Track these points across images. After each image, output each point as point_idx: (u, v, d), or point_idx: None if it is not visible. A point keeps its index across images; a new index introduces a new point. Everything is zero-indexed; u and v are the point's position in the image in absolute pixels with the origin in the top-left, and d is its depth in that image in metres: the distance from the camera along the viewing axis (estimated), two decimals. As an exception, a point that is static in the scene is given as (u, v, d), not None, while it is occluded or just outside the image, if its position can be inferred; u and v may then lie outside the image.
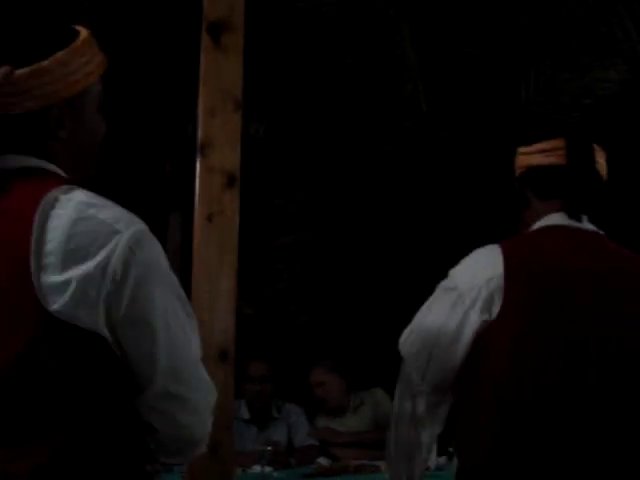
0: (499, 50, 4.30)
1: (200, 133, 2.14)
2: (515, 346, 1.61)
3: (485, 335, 1.63)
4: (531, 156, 1.81)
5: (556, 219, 1.77)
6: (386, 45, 4.31)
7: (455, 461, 1.80)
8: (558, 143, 1.78)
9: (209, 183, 2.12)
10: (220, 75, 2.16)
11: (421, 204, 4.69)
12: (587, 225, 1.77)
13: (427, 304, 1.77)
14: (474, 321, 1.64)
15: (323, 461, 3.31)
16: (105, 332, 1.16)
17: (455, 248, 1.94)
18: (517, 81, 4.42)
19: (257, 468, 3.12)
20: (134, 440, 1.24)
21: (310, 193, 4.95)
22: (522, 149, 1.84)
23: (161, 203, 4.87)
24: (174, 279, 1.26)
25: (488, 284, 1.64)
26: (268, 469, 3.14)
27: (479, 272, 1.67)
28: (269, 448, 3.33)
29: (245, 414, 3.89)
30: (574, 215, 1.76)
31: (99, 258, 1.14)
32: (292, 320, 5.26)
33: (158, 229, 1.39)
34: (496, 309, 1.63)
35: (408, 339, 1.78)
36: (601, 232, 1.78)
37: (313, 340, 5.18)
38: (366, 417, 3.95)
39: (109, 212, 1.18)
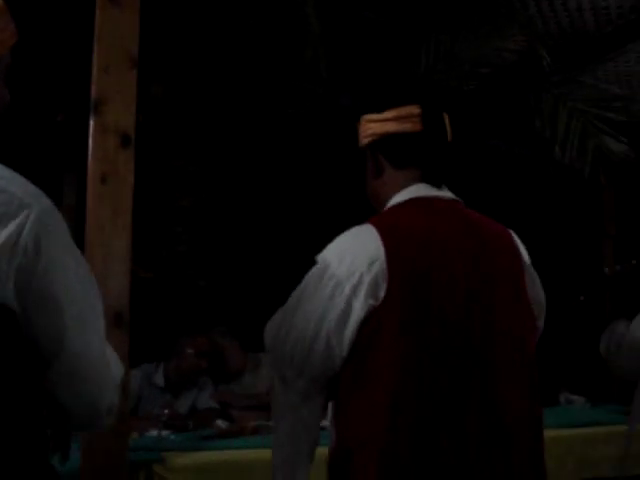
0: (400, 17, 4.32)
1: (94, 90, 2.08)
2: (404, 329, 1.56)
3: (372, 321, 1.57)
4: (385, 123, 1.74)
5: (419, 190, 1.72)
6: (288, 8, 4.27)
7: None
8: (413, 110, 1.73)
9: (103, 143, 2.07)
10: (115, 31, 2.10)
11: (320, 169, 4.71)
12: (447, 193, 1.75)
13: (297, 295, 1.66)
14: (358, 309, 1.57)
15: (221, 424, 3.31)
16: (14, 305, 1.14)
17: (354, 215, 1.90)
18: (418, 48, 4.46)
19: (154, 432, 3.10)
20: (37, 412, 1.23)
21: (210, 155, 4.90)
22: (372, 116, 1.77)
23: (55, 162, 4.72)
24: (79, 253, 1.25)
25: (370, 268, 1.57)
26: (165, 432, 3.12)
27: (358, 256, 1.59)
28: (166, 411, 3.31)
29: (160, 381, 3.87)
30: (435, 184, 1.73)
31: (9, 230, 1.12)
32: (191, 284, 5.22)
33: (52, 189, 1.36)
34: (382, 293, 1.56)
35: (278, 336, 1.68)
36: (459, 200, 1.76)
37: (211, 303, 5.17)
38: (264, 377, 3.99)
39: (18, 185, 1.16)
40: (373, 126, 1.77)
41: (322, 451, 1.72)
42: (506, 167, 5.46)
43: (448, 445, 1.55)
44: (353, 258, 1.59)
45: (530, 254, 1.83)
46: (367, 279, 1.57)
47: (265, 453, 1.84)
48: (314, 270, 1.65)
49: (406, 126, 1.73)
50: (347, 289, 1.58)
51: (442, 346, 1.58)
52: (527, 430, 1.67)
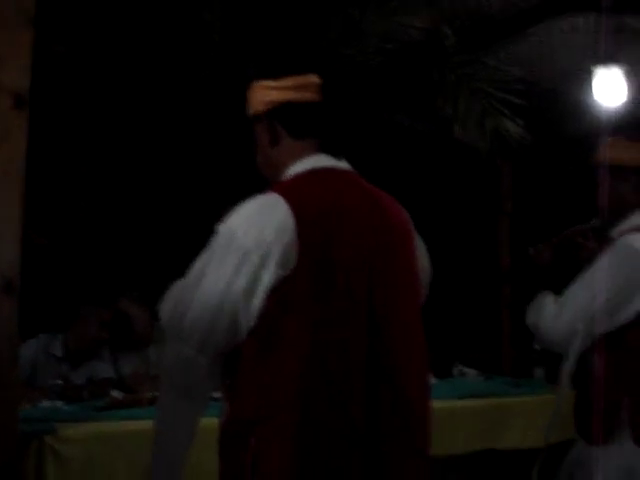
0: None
1: (-15, 47, 1.99)
2: (313, 298, 1.57)
3: (281, 291, 1.56)
4: (283, 91, 1.71)
5: (318, 161, 1.72)
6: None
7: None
8: (313, 79, 1.71)
9: (-6, 103, 1.99)
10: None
11: (217, 134, 4.64)
12: (345, 165, 1.76)
13: (200, 266, 1.62)
14: (267, 279, 1.55)
15: (117, 394, 3.27)
16: None
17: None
18: (327, 21, 4.46)
19: (47, 403, 3.03)
20: None
21: (112, 119, 4.77)
22: (269, 82, 1.74)
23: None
24: None
25: (280, 238, 1.56)
26: (59, 403, 3.06)
27: (266, 226, 1.57)
28: (59, 382, 3.25)
29: (58, 351, 3.78)
30: (334, 155, 1.73)
31: None
32: (91, 251, 5.11)
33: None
34: (291, 263, 1.56)
35: (177, 311, 1.64)
36: (355, 171, 1.77)
37: (115, 270, 5.07)
38: None
39: None
40: (270, 93, 1.73)
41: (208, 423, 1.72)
42: (408, 142, 5.54)
43: (358, 412, 1.58)
44: (261, 228, 1.57)
45: (428, 230, 1.88)
46: (276, 249, 1.55)
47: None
48: (218, 240, 1.62)
49: (305, 95, 1.72)
50: (255, 260, 1.55)
51: (348, 315, 1.60)
52: (424, 399, 1.74)
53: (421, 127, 4.98)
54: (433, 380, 3.40)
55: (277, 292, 1.56)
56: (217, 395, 1.79)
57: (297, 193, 1.64)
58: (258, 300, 1.56)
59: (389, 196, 1.80)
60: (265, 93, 1.74)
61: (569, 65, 5.06)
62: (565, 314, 2.26)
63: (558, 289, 2.35)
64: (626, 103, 4.77)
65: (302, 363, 1.56)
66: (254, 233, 1.57)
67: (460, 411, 3.64)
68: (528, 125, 4.51)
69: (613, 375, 2.19)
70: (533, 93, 4.79)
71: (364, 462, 1.59)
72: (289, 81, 1.72)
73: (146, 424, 2.68)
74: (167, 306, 1.69)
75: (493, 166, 5.86)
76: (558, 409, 2.30)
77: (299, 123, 1.74)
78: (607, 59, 4.54)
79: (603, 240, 2.38)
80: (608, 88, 4.58)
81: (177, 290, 1.68)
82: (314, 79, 1.72)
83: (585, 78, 4.86)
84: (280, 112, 1.73)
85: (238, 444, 1.59)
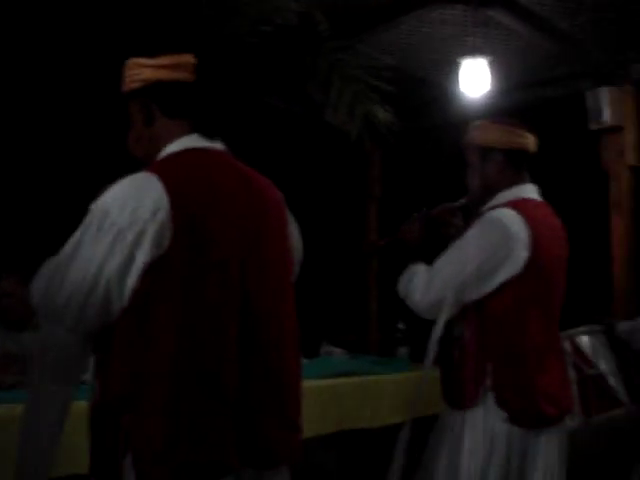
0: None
1: None
2: (187, 277, 1.59)
3: (156, 269, 1.57)
4: (158, 69, 1.70)
5: (193, 141, 1.72)
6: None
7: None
8: (188, 58, 1.70)
9: None
10: None
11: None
12: (220, 145, 1.77)
13: (73, 244, 1.61)
14: (141, 258, 1.55)
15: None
16: None
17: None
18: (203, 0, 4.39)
19: None
20: None
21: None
22: (144, 60, 1.72)
23: None
24: None
25: (154, 217, 1.56)
26: None
27: (141, 205, 1.56)
28: None
29: None
30: (208, 136, 1.74)
31: None
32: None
33: None
34: (166, 242, 1.56)
35: (50, 289, 1.62)
36: (229, 152, 1.79)
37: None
38: None
39: None
40: (145, 71, 1.72)
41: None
42: (281, 125, 5.57)
43: (229, 388, 1.61)
44: (136, 207, 1.56)
45: (298, 212, 1.92)
46: (151, 228, 1.55)
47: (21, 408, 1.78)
48: (91, 218, 1.60)
49: (180, 74, 1.70)
50: (130, 238, 1.55)
51: (222, 293, 1.62)
52: (296, 375, 1.80)
53: (294, 110, 5.02)
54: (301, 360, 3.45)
55: (151, 271, 1.56)
56: (87, 377, 1.77)
57: (171, 172, 1.63)
58: (132, 279, 1.56)
59: (263, 177, 1.83)
60: (139, 71, 1.72)
61: (437, 55, 5.22)
62: (435, 283, 2.36)
63: (427, 264, 2.45)
64: (490, 93, 4.98)
65: (174, 341, 1.56)
66: (128, 211, 1.56)
67: (327, 390, 3.71)
68: (397, 112, 4.62)
69: (478, 342, 2.31)
70: (402, 81, 4.91)
71: (236, 434, 1.61)
72: (164, 60, 1.71)
73: (5, 408, 2.60)
74: (38, 285, 1.66)
75: (363, 151, 5.98)
76: (425, 379, 2.39)
77: (173, 102, 1.72)
78: (473, 50, 4.71)
79: (471, 217, 2.50)
80: (473, 78, 4.76)
81: (49, 269, 1.65)
82: (189, 58, 1.71)
83: (452, 68, 5.03)
84: (154, 91, 1.72)
85: (110, 422, 1.59)
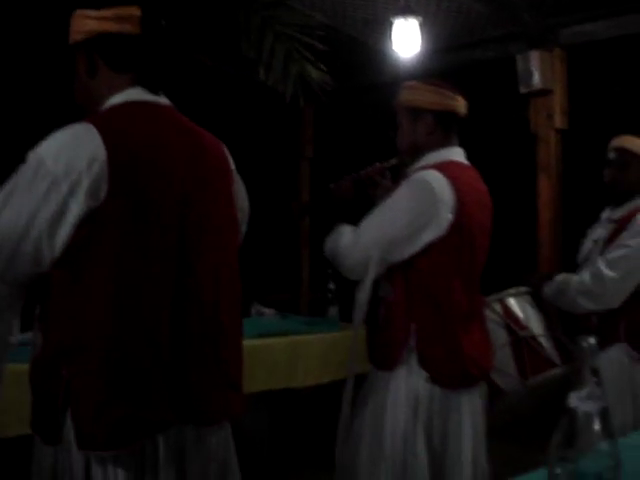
0: None
1: None
2: (124, 230, 1.57)
3: (91, 221, 1.55)
4: (103, 21, 1.69)
5: (136, 94, 1.71)
6: None
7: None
8: (133, 11, 1.69)
9: None
10: None
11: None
12: (164, 99, 1.77)
13: (5, 193, 1.57)
14: (76, 208, 1.53)
15: None
16: None
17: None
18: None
19: None
20: None
21: None
22: (89, 12, 1.70)
23: None
24: None
25: (90, 168, 1.54)
26: None
27: (77, 155, 1.54)
28: None
29: None
30: (152, 89, 1.73)
31: None
32: None
33: None
34: (102, 194, 1.55)
35: None
36: (174, 106, 1.79)
37: None
38: None
39: None
40: (90, 23, 1.70)
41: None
42: (213, 83, 5.49)
43: (164, 342, 1.62)
44: (72, 156, 1.54)
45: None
46: (86, 179, 1.53)
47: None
48: (26, 167, 1.57)
49: (125, 27, 1.69)
50: (64, 188, 1.53)
51: (158, 247, 1.62)
52: (236, 334, 1.81)
53: (227, 69, 4.94)
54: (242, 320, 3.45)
55: (87, 223, 1.55)
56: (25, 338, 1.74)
57: (111, 124, 1.62)
58: (65, 230, 1.55)
59: (210, 134, 1.82)
60: (85, 22, 1.71)
61: (370, 14, 5.20)
62: (361, 242, 2.36)
63: (355, 224, 2.45)
64: (422, 54, 4.99)
65: (111, 293, 1.56)
66: (64, 161, 1.54)
67: (258, 350, 3.72)
68: (330, 71, 4.59)
69: (403, 302, 2.33)
70: (335, 40, 4.88)
71: (172, 390, 1.62)
72: (109, 12, 1.69)
73: None
74: None
75: (296, 111, 5.93)
76: (355, 339, 2.39)
77: (118, 55, 1.71)
78: (405, 11, 4.70)
79: (400, 178, 2.50)
80: (405, 38, 4.75)
81: None
82: (134, 11, 1.69)
83: (385, 28, 5.02)
84: (99, 43, 1.71)
85: (50, 375, 1.59)
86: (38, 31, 4.21)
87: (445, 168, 2.37)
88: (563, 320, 3.15)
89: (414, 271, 2.33)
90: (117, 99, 1.70)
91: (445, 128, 2.45)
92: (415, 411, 2.29)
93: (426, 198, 2.31)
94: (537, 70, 4.88)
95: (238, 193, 1.88)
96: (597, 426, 1.04)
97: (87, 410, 1.55)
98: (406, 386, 2.31)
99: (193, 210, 1.69)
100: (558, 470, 1.04)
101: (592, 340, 1.02)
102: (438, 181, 2.32)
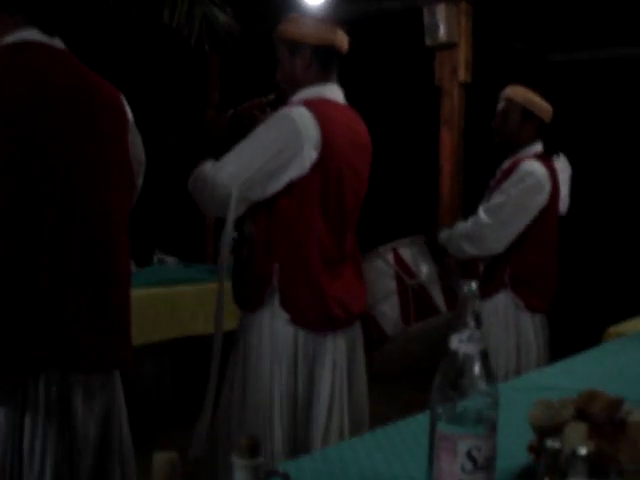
0: None
1: None
2: (8, 167, 1.60)
3: None
4: None
5: (28, 34, 1.71)
6: None
7: None
8: None
9: None
10: None
11: None
12: (60, 44, 1.77)
13: None
14: None
15: None
16: None
17: None
18: None
19: None
20: None
21: None
22: None
23: None
24: None
25: None
26: None
27: None
28: None
29: None
30: (48, 32, 1.73)
31: None
32: None
33: None
34: None
35: None
36: (70, 52, 1.78)
37: None
38: None
39: None
40: None
41: None
42: (117, 26, 5.31)
43: (47, 287, 1.63)
44: None
45: (136, 118, 1.88)
46: None
47: None
48: None
49: None
50: None
51: (41, 186, 1.64)
52: (124, 284, 1.81)
53: (129, 11, 4.78)
54: (133, 268, 3.40)
55: None
56: None
57: (1, 61, 1.65)
58: None
59: (107, 82, 1.82)
60: None
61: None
62: (219, 177, 2.27)
63: None
64: (330, 1, 4.96)
65: None
66: None
67: (160, 298, 3.70)
68: (237, 16, 4.51)
69: (265, 242, 2.28)
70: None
71: (52, 331, 1.64)
72: None
73: None
74: None
75: (201, 56, 5.82)
76: (222, 287, 2.33)
77: None
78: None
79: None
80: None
81: None
82: None
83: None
84: None
85: None
86: None
87: (313, 104, 2.30)
88: (455, 266, 3.25)
89: (276, 210, 2.27)
90: (10, 38, 1.70)
91: (323, 63, 2.37)
92: (279, 354, 2.26)
93: (288, 134, 2.24)
94: (443, 23, 4.91)
95: (134, 144, 1.87)
96: (477, 367, 1.08)
97: None
98: (269, 329, 2.27)
99: (80, 152, 1.70)
100: (440, 410, 1.09)
101: (474, 284, 1.06)
102: (302, 117, 2.25)
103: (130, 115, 1.87)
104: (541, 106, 3.16)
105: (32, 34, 1.71)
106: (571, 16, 5.85)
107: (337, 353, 2.33)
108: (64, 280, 1.66)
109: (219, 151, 2.36)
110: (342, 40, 2.40)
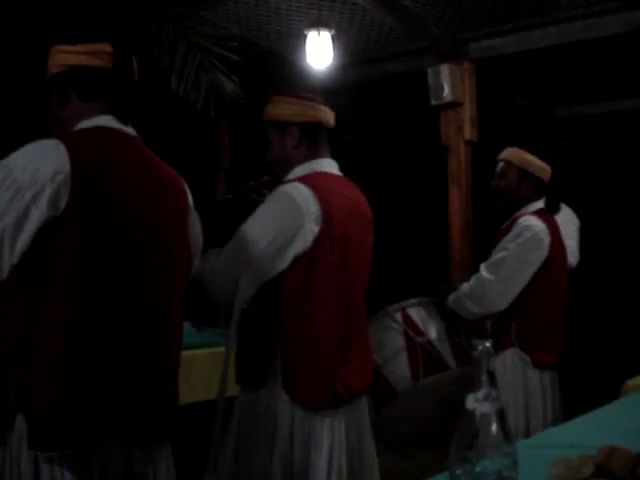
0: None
1: None
2: (81, 242, 1.66)
3: (50, 230, 1.64)
4: (76, 56, 1.83)
5: (105, 121, 1.83)
6: None
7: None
8: (105, 47, 1.84)
9: None
10: None
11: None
12: (131, 130, 1.88)
13: None
14: (36, 217, 1.63)
15: None
16: None
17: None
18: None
19: None
20: None
21: None
22: (65, 47, 1.85)
23: None
24: None
25: (54, 179, 1.63)
26: None
27: (43, 167, 1.64)
28: None
29: None
30: (122, 119, 1.85)
31: None
32: None
33: None
34: (62, 205, 1.64)
35: None
36: (140, 138, 1.90)
37: None
38: None
39: None
40: (65, 57, 1.84)
41: None
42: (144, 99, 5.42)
43: (118, 351, 1.71)
44: (38, 167, 1.64)
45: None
46: (49, 188, 1.63)
47: None
48: None
49: (97, 62, 1.83)
50: (27, 197, 1.63)
51: (112, 264, 1.72)
52: (177, 365, 1.90)
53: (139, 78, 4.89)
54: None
55: (45, 231, 1.64)
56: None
57: (78, 142, 1.74)
58: (25, 237, 1.63)
59: (172, 169, 1.95)
60: (60, 57, 1.85)
61: (283, 26, 5.23)
62: (225, 267, 2.28)
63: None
64: (335, 66, 5.05)
65: (65, 305, 1.64)
66: (30, 172, 1.64)
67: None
68: (244, 82, 4.60)
69: (269, 322, 2.27)
70: (249, 51, 4.89)
71: (120, 404, 1.70)
72: (84, 47, 1.83)
73: None
74: None
75: (210, 122, 5.90)
76: (227, 361, 2.34)
77: (88, 86, 1.84)
78: (318, 23, 4.75)
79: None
80: (319, 51, 4.81)
81: None
82: (107, 47, 1.84)
83: (298, 40, 5.06)
84: (71, 75, 1.83)
85: (2, 377, 1.65)
86: (20, 62, 4.16)
87: (309, 179, 2.31)
88: (463, 326, 3.25)
89: (281, 289, 2.25)
90: (87, 123, 1.82)
91: (312, 139, 2.39)
92: (275, 435, 2.22)
93: (289, 211, 2.24)
94: (447, 83, 4.99)
95: (193, 227, 1.96)
96: (495, 426, 1.08)
97: (38, 410, 1.62)
98: (266, 409, 2.24)
99: (149, 235, 1.79)
100: (459, 471, 1.08)
101: (488, 343, 1.06)
102: (300, 193, 2.26)
103: (191, 200, 1.97)
104: (538, 166, 3.22)
105: (108, 120, 1.83)
106: (573, 71, 5.93)
107: (336, 433, 2.27)
108: (132, 354, 1.73)
109: (222, 238, 2.37)
110: (328, 115, 2.44)
